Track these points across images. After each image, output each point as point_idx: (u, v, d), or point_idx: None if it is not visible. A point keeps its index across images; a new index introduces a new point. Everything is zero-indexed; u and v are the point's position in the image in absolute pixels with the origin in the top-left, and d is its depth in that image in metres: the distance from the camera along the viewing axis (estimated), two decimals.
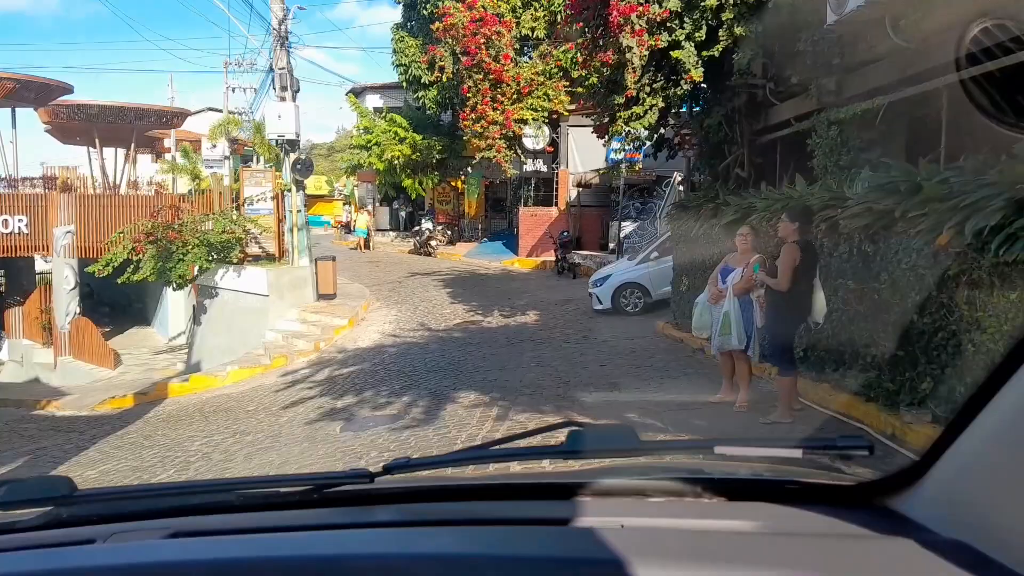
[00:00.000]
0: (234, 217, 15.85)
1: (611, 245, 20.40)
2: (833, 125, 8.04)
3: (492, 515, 1.22)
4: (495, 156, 22.18)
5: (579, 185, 20.71)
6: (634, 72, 9.64)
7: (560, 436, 1.26)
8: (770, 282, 6.07)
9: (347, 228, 35.62)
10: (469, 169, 28.69)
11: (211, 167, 18.85)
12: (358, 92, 32.32)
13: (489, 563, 1.02)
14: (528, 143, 22.55)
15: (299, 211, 16.12)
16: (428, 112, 27.17)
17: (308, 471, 5.93)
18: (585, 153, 22.35)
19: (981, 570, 0.91)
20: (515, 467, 2.67)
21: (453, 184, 30.40)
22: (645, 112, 10.05)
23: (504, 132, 22.04)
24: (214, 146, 18.32)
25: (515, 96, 22.04)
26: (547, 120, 22.30)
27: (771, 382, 7.00)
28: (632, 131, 10.16)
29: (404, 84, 26.36)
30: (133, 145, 30.46)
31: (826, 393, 6.64)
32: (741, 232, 6.87)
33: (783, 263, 5.94)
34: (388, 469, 1.25)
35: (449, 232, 28.64)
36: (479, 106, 21.95)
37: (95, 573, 1.03)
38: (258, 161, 17.91)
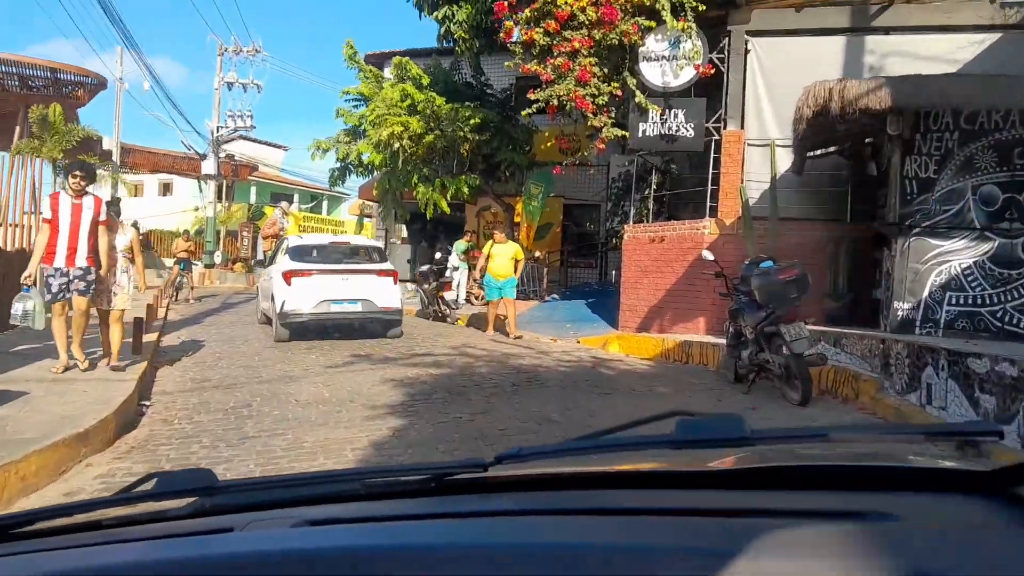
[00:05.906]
0: None
1: (899, 307, 7.14)
2: None
3: (607, 504, 1.22)
4: (570, 93, 9.57)
5: (809, 120, 7.33)
6: None
7: (668, 426, 1.26)
8: None
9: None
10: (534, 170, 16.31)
11: None
12: (375, 61, 20.63)
13: (615, 551, 0.98)
14: (652, 73, 9.84)
15: None
16: (459, 53, 15.06)
17: None
18: (787, 92, 9.39)
19: None
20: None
21: (508, 203, 17.91)
22: None
23: (598, 40, 9.51)
24: None
25: None
26: (698, 17, 9.59)
27: None
28: None
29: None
30: (20, 128, 19.68)
31: None
32: None
33: None
34: (499, 459, 1.29)
35: None
36: None
37: (236, 559, 1.07)
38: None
